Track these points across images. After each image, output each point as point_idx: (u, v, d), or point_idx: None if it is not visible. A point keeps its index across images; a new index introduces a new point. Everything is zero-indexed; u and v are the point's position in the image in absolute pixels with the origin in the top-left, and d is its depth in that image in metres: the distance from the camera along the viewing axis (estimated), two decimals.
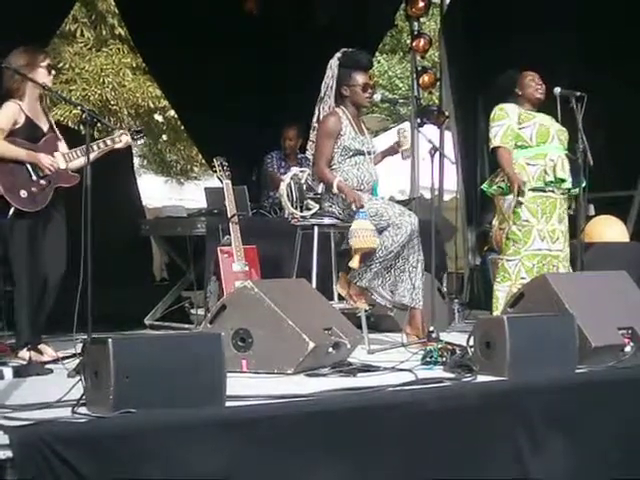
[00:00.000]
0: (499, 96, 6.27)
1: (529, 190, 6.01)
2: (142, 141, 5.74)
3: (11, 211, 5.09)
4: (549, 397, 4.20)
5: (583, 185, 6.09)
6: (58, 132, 5.47)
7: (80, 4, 14.02)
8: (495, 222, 8.14)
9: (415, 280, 5.80)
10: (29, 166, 5.19)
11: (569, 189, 6.12)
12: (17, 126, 5.21)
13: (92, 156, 5.34)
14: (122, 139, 5.50)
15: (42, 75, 5.26)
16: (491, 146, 6.12)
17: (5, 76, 5.21)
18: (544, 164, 6.04)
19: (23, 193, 5.13)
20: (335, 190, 5.78)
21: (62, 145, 5.40)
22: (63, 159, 5.28)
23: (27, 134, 5.23)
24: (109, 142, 5.47)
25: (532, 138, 6.08)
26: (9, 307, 5.44)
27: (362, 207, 5.66)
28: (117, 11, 13.64)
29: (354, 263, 5.69)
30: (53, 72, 5.38)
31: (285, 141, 8.52)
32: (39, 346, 5.22)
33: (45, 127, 5.35)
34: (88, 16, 15.52)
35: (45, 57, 5.36)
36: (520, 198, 5.93)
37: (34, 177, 5.19)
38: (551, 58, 7.57)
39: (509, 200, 6.05)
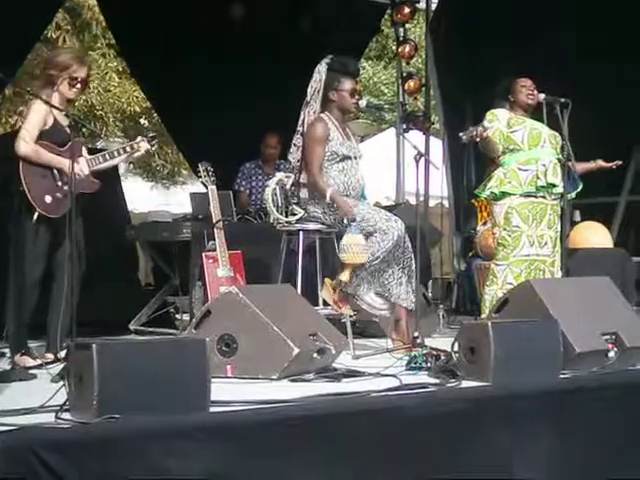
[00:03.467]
0: (492, 103, 6.29)
1: (520, 196, 6.03)
2: (155, 147, 5.72)
3: (35, 216, 5.05)
4: (533, 402, 4.20)
5: (579, 189, 6.12)
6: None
7: (64, 12, 13.98)
8: (480, 228, 8.20)
9: (404, 282, 5.81)
10: (55, 171, 5.15)
11: (561, 194, 6.13)
12: (46, 127, 5.15)
13: (116, 162, 5.50)
14: (141, 145, 5.49)
15: (63, 84, 5.18)
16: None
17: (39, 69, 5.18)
18: (536, 169, 6.06)
19: (48, 198, 5.09)
20: (328, 200, 5.76)
21: (84, 150, 5.34)
22: (87, 165, 5.24)
23: (54, 137, 5.17)
24: (128, 149, 5.47)
25: (524, 141, 6.09)
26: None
27: (354, 220, 5.67)
28: (102, 19, 13.64)
29: (345, 277, 5.74)
30: (79, 86, 5.25)
31: (267, 148, 8.54)
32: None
33: (69, 131, 5.24)
34: (72, 23, 15.47)
35: (77, 68, 5.22)
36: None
37: (59, 182, 5.15)
38: (537, 64, 7.59)
39: (501, 205, 6.07)
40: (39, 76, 5.19)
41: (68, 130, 5.22)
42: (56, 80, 5.18)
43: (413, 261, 5.84)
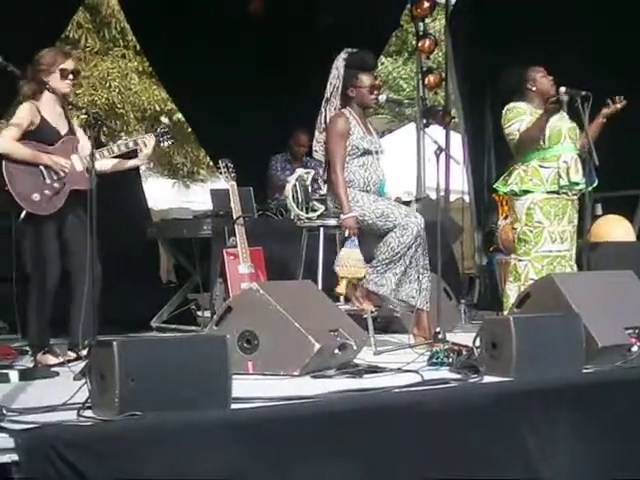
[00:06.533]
0: (506, 94, 6.24)
1: (542, 192, 6.00)
2: (168, 143, 5.62)
3: (22, 214, 5.04)
4: (556, 397, 4.19)
5: (594, 185, 6.09)
6: (82, 134, 5.35)
7: (84, 10, 14.05)
8: (501, 222, 8.16)
9: (423, 282, 5.79)
10: (43, 169, 5.13)
11: (581, 190, 6.10)
12: (32, 127, 5.14)
13: (114, 155, 5.37)
14: (148, 142, 5.41)
15: (55, 79, 5.18)
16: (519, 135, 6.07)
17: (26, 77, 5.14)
18: (557, 166, 6.02)
19: (35, 196, 5.07)
20: (342, 216, 5.72)
21: (85, 147, 5.28)
22: (80, 162, 5.22)
23: (42, 136, 5.16)
24: (131, 144, 5.40)
25: (546, 140, 6.04)
26: (16, 310, 5.43)
27: (355, 235, 5.65)
28: (121, 17, 13.71)
29: (340, 289, 5.72)
30: (70, 77, 5.24)
31: (297, 145, 8.53)
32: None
33: (64, 130, 5.25)
34: (92, 21, 15.54)
35: (62, 60, 5.23)
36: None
37: (47, 180, 5.13)
38: (557, 57, 7.55)
39: (522, 201, 6.04)
40: (30, 81, 5.16)
41: (61, 130, 5.22)
42: (47, 77, 5.16)
43: (427, 262, 5.81)
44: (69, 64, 5.28)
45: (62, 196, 5.15)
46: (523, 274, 6.01)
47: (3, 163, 5.06)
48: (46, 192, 5.12)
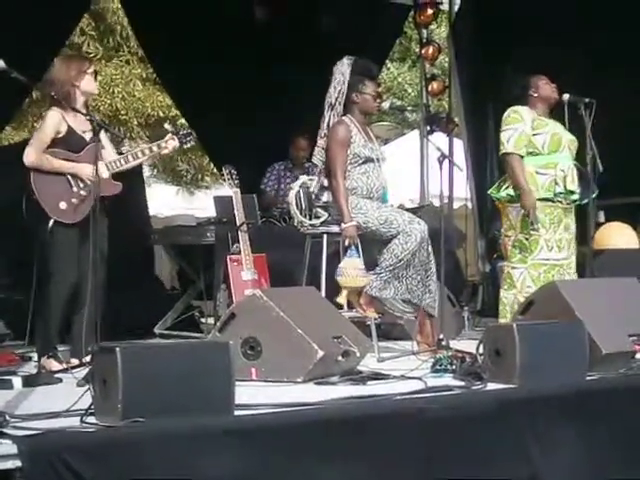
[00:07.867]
0: (509, 103, 6.24)
1: (537, 200, 5.98)
2: (191, 144, 5.68)
3: (50, 223, 5.06)
4: (559, 404, 4.18)
5: (594, 196, 6.07)
6: (106, 139, 5.38)
7: (88, 17, 14.05)
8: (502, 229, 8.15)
9: (430, 286, 5.79)
10: (69, 177, 5.15)
11: (575, 200, 6.10)
12: (59, 135, 5.17)
13: (139, 161, 5.45)
14: (169, 145, 5.45)
15: (88, 82, 5.24)
16: (503, 150, 6.07)
17: (47, 86, 5.18)
18: (554, 174, 6.01)
19: (62, 205, 5.10)
20: (342, 225, 5.73)
21: (107, 153, 5.34)
22: (106, 168, 5.24)
23: (69, 144, 5.18)
24: (155, 148, 5.44)
25: (544, 146, 6.03)
26: (22, 316, 5.43)
27: (355, 244, 5.66)
28: (125, 24, 13.70)
29: (341, 299, 5.72)
30: (99, 78, 5.33)
31: (296, 151, 8.52)
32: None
33: (88, 136, 5.22)
34: (96, 28, 15.53)
35: (90, 63, 5.35)
36: (532, 227, 5.90)
37: (74, 188, 5.15)
38: (561, 65, 7.56)
39: (517, 208, 6.02)
40: (55, 89, 5.16)
41: (86, 136, 5.22)
42: (79, 81, 5.20)
43: (433, 267, 5.82)
44: (95, 66, 5.41)
45: (88, 204, 5.13)
46: (519, 282, 5.99)
47: (31, 174, 5.10)
48: (73, 200, 5.14)
